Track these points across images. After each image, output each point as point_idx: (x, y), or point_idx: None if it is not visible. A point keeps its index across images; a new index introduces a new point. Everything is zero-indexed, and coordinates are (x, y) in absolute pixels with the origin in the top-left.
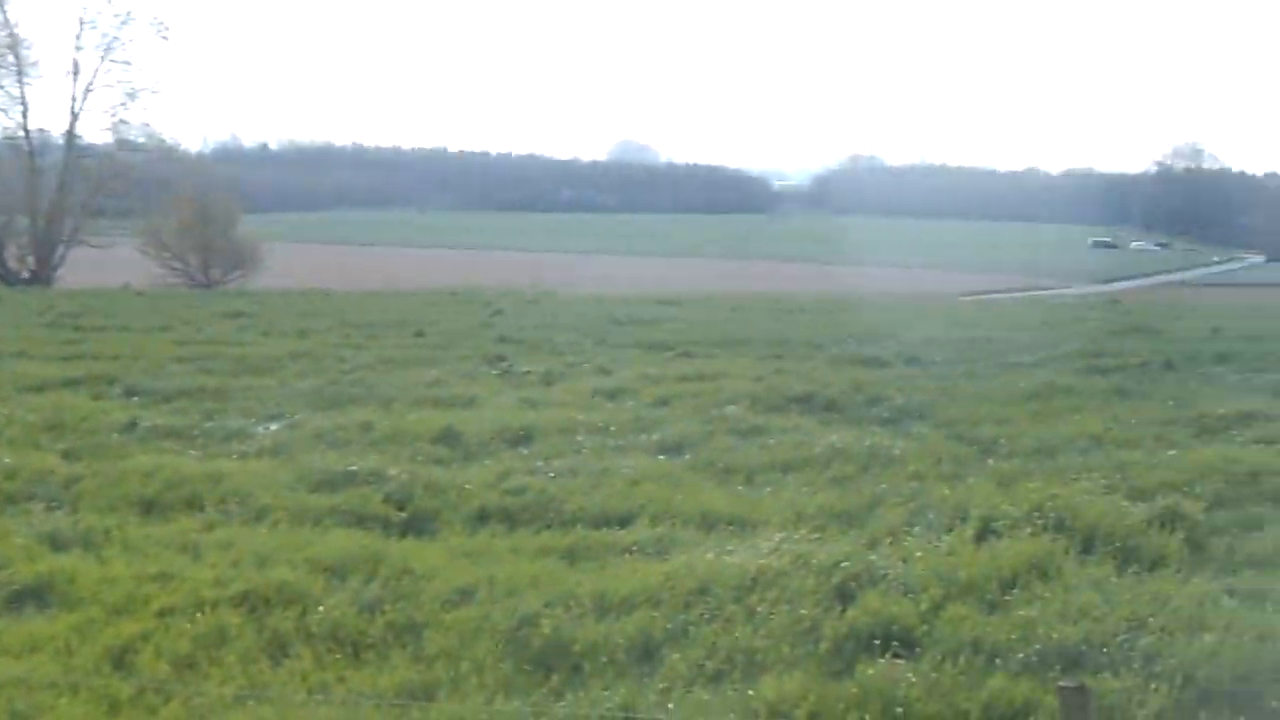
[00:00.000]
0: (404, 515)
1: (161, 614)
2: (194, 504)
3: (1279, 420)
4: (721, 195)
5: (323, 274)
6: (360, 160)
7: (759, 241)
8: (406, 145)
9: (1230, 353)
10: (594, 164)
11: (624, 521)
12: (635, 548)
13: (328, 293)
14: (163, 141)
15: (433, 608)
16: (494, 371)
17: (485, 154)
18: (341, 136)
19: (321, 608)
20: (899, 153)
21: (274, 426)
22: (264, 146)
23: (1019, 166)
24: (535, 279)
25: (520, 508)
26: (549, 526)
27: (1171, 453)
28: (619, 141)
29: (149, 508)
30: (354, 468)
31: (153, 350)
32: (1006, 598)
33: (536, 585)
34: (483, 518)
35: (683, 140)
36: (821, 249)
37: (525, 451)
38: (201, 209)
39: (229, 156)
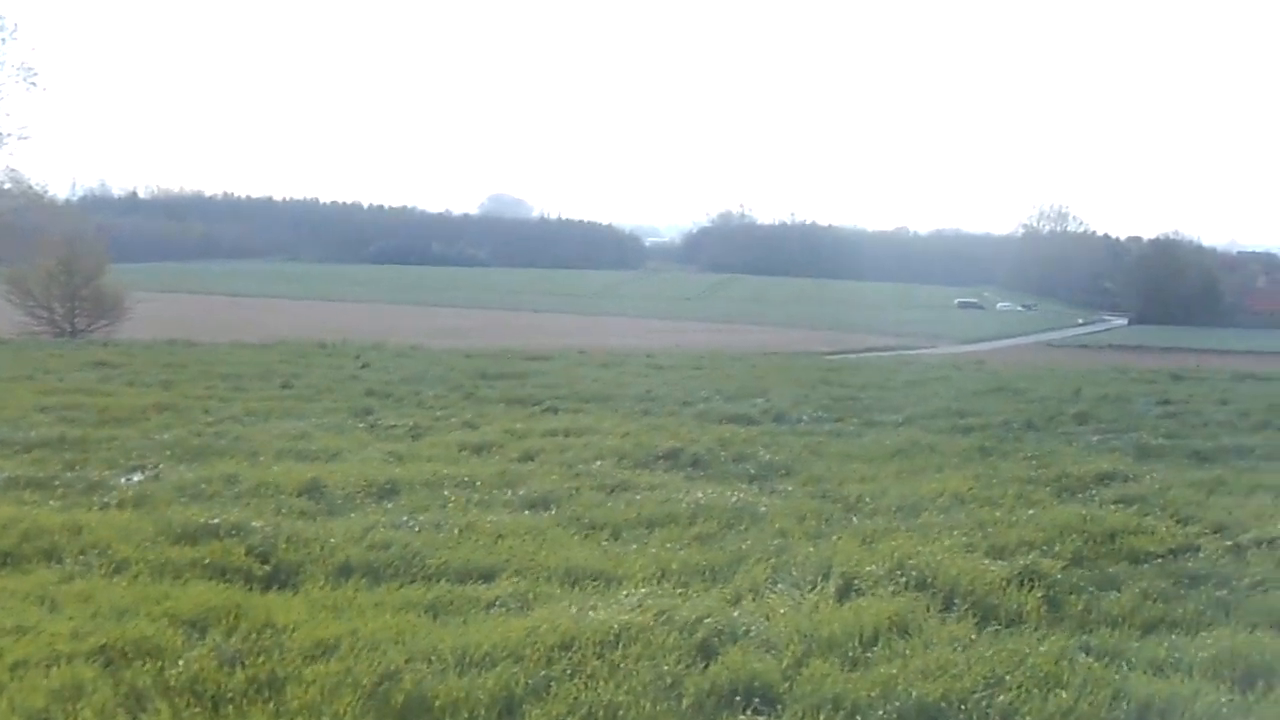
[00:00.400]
0: (267, 568)
1: (15, 667)
2: (52, 555)
3: (1137, 480)
4: (594, 251)
5: (190, 324)
6: (231, 210)
7: (629, 298)
8: (278, 196)
9: (1091, 413)
10: (465, 217)
11: (488, 576)
12: (498, 603)
13: (194, 343)
14: (30, 188)
15: (294, 662)
16: (361, 425)
17: (357, 206)
18: (212, 186)
19: (181, 661)
20: (770, 210)
21: (136, 478)
22: (133, 195)
23: (889, 226)
24: (404, 332)
25: (384, 562)
26: (413, 581)
27: (1031, 511)
28: (491, 195)
29: (5, 559)
30: (217, 520)
31: (14, 399)
32: (868, 655)
33: (399, 640)
34: (346, 571)
35: (557, 195)
36: (691, 306)
37: (390, 505)
38: (68, 257)
39: (97, 205)
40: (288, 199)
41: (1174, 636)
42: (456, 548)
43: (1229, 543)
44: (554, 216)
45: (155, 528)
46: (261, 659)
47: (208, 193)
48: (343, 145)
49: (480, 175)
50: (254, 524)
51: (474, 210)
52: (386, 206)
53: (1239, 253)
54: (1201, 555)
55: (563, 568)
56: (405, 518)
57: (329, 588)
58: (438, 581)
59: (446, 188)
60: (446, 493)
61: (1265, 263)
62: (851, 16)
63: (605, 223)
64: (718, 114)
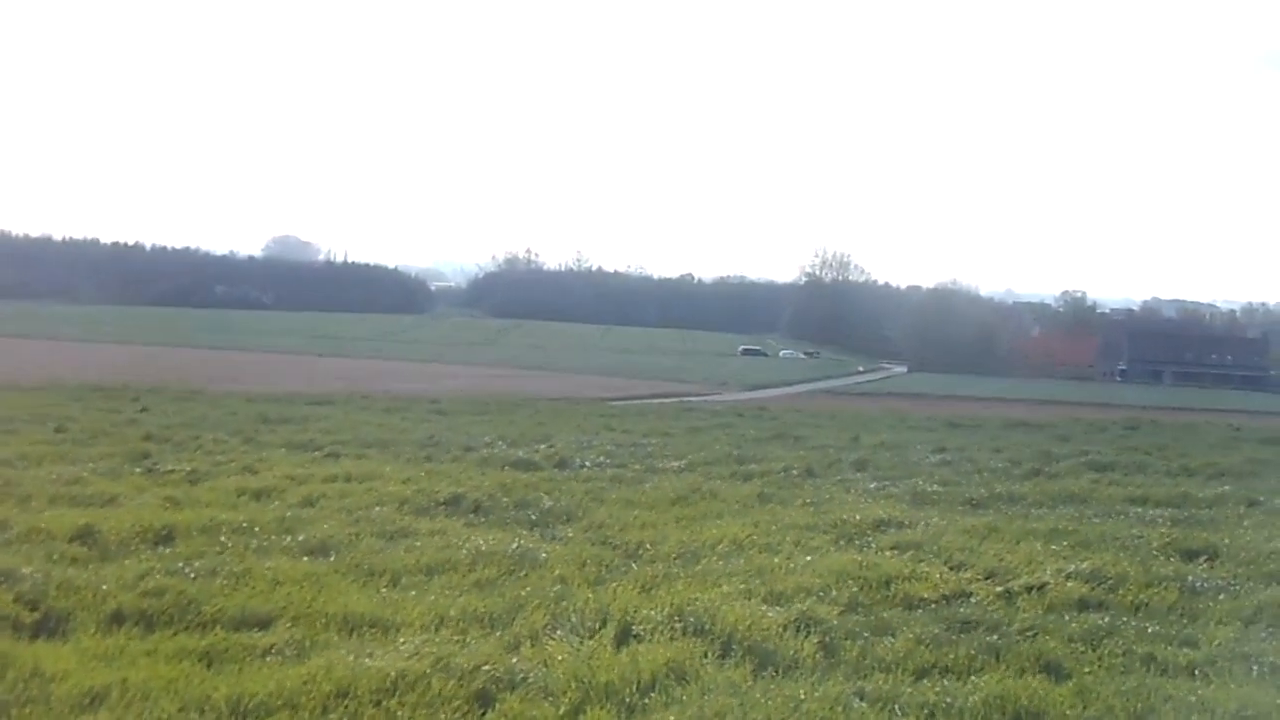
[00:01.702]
0: (36, 616)
1: None
2: None
3: (912, 527)
4: (380, 295)
5: None
6: (6, 249)
7: (415, 342)
8: (57, 235)
9: (869, 460)
10: (250, 259)
11: (264, 623)
12: (274, 650)
13: None
14: None
15: (63, 712)
16: (138, 469)
17: (139, 246)
18: None
19: None
20: (558, 255)
21: None
22: None
23: (674, 273)
24: (185, 375)
25: (158, 609)
26: (187, 628)
27: (809, 558)
28: (276, 237)
29: None
30: None
31: None
32: (645, 701)
33: (172, 689)
34: (119, 619)
35: (344, 237)
36: (476, 351)
37: (166, 551)
38: None
39: None
40: (67, 239)
41: (946, 681)
42: (232, 594)
43: (1000, 588)
44: (340, 260)
45: None
46: (29, 709)
47: None
48: (125, 183)
49: (266, 216)
50: (23, 571)
51: (259, 252)
52: (169, 247)
53: (1014, 302)
54: (974, 601)
55: (340, 615)
56: (181, 564)
57: (100, 636)
58: (213, 629)
59: (231, 229)
60: (224, 538)
61: (1039, 312)
62: (632, 65)
63: (391, 266)
64: (505, 157)
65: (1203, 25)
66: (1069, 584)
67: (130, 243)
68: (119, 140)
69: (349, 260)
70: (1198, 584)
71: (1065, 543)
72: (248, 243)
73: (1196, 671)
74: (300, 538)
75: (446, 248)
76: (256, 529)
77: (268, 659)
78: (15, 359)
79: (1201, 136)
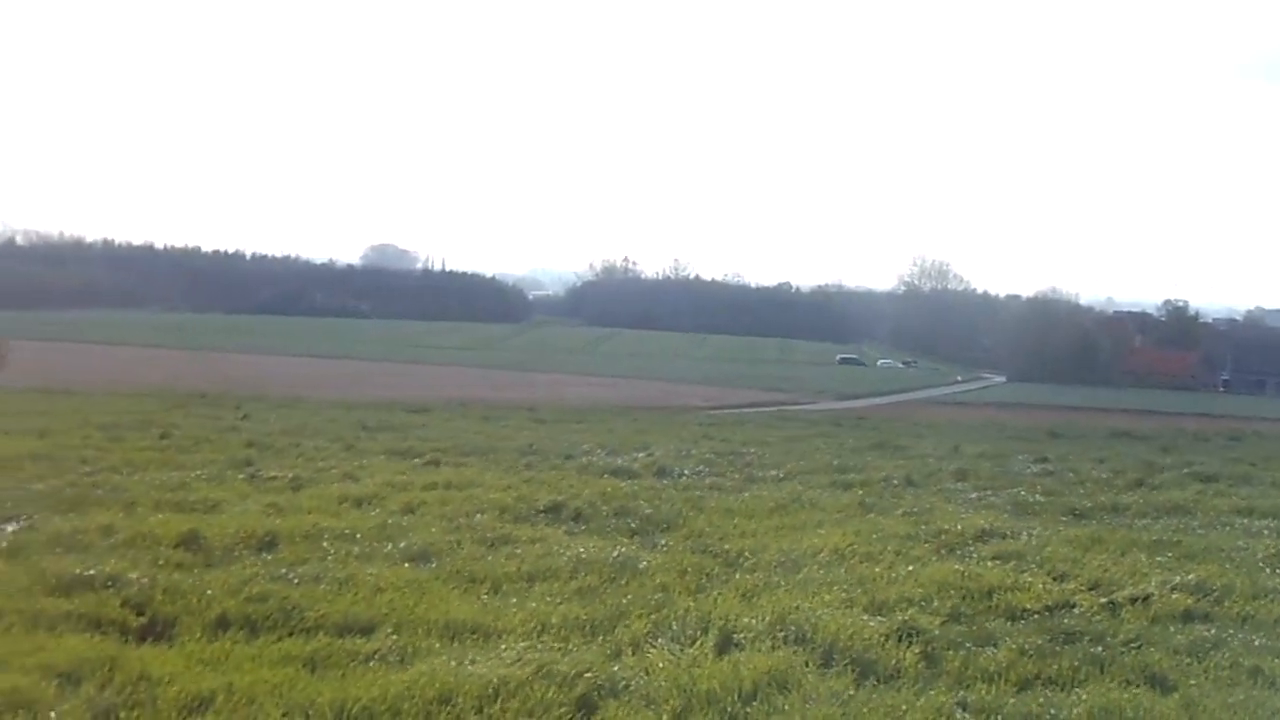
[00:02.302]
0: (143, 620)
1: None
2: None
3: (1014, 538)
4: (478, 303)
5: (67, 373)
6: (111, 258)
7: (513, 351)
8: (160, 244)
9: (970, 470)
10: (349, 268)
11: (367, 630)
12: (377, 656)
13: (71, 392)
14: None
15: (170, 715)
16: (240, 476)
17: (240, 255)
18: (92, 232)
19: (54, 714)
20: (655, 262)
21: (10, 528)
22: (10, 241)
23: (771, 282)
24: (286, 383)
25: (262, 614)
26: (291, 634)
27: (910, 568)
28: (375, 245)
29: None
30: (92, 571)
31: None
32: (747, 710)
33: (276, 694)
34: (224, 624)
35: (441, 244)
36: (574, 359)
37: (269, 557)
38: None
39: None
40: (169, 247)
41: (1049, 693)
42: (335, 600)
43: (1104, 600)
44: (438, 269)
45: (29, 579)
46: (136, 713)
47: (87, 239)
48: (227, 193)
49: (365, 225)
50: (130, 575)
51: (357, 261)
52: (270, 256)
53: (1115, 311)
54: (1077, 612)
55: (442, 621)
56: (284, 570)
57: (206, 640)
58: (316, 634)
59: (330, 237)
60: (326, 545)
61: (1140, 322)
62: (731, 74)
63: (489, 275)
64: (606, 162)
65: None
66: (1174, 595)
67: (230, 251)
68: (223, 150)
69: (446, 269)
70: None
71: (1170, 554)
72: (347, 251)
73: None
74: (401, 544)
75: (544, 255)
76: (358, 535)
77: (371, 665)
78: (120, 366)
79: None
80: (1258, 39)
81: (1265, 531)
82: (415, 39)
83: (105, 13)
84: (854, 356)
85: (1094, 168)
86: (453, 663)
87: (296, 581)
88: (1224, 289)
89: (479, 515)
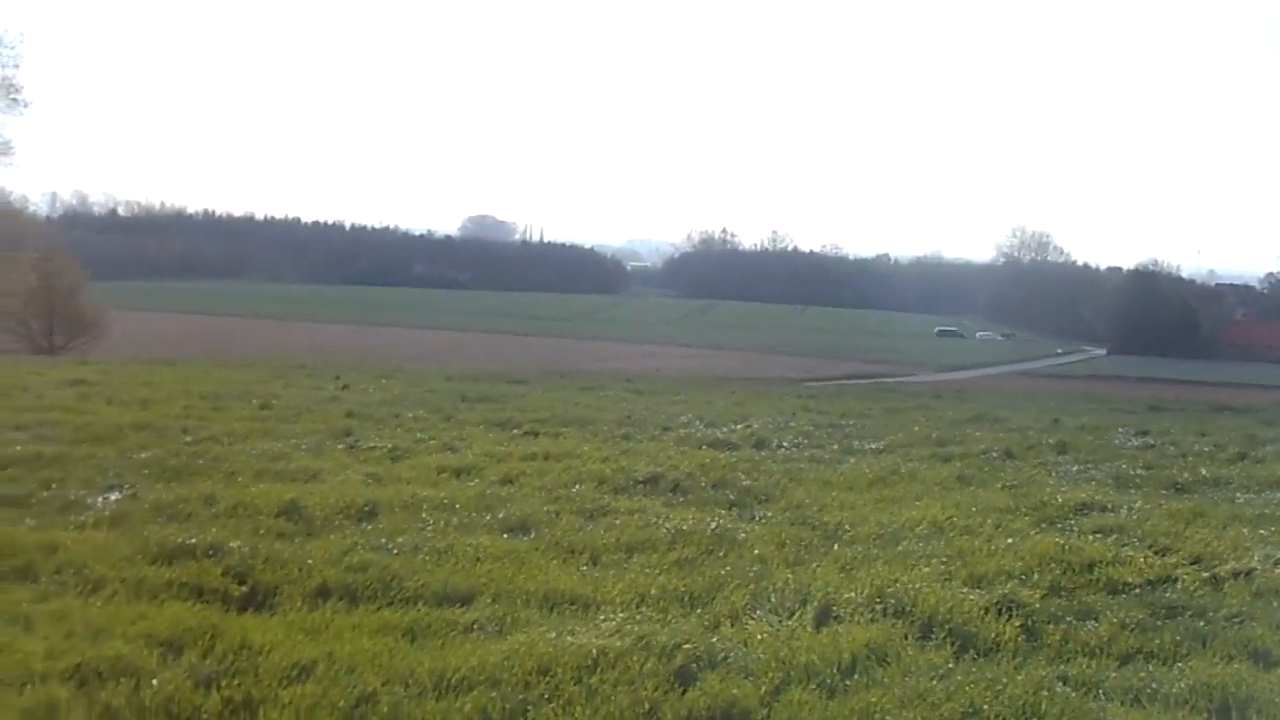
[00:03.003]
0: (244, 589)
1: None
2: (27, 574)
3: (1115, 511)
4: (576, 275)
5: (169, 343)
6: (212, 229)
7: (611, 322)
8: (260, 215)
9: (1070, 443)
10: (448, 239)
11: (465, 600)
12: (476, 626)
13: (172, 362)
14: (9, 204)
15: (270, 684)
16: (340, 446)
17: (339, 226)
18: (193, 203)
19: (156, 682)
20: (753, 233)
21: (113, 497)
22: (113, 212)
23: (870, 252)
24: (385, 353)
25: (362, 584)
26: (390, 603)
27: (1010, 541)
28: (472, 216)
29: None
30: (194, 540)
31: None
32: (846, 683)
33: (376, 663)
34: (324, 593)
35: (539, 214)
36: (671, 331)
37: (369, 527)
38: (46, 274)
39: (77, 221)
40: (269, 218)
41: (1151, 667)
42: (435, 571)
43: (1206, 574)
44: (536, 239)
45: (132, 547)
46: (237, 680)
47: (188, 210)
48: (325, 163)
49: (462, 195)
50: (231, 544)
51: (455, 231)
52: (368, 227)
53: (1217, 284)
54: (1179, 586)
55: (541, 592)
56: (384, 540)
57: (306, 609)
58: (415, 604)
59: (428, 207)
60: (425, 515)
61: (1243, 295)
62: (833, 41)
63: (587, 246)
64: (703, 133)
65: None
66: (1277, 570)
67: (330, 222)
68: (324, 122)
69: (544, 240)
70: None
71: (1273, 528)
72: (445, 222)
73: None
74: (500, 515)
75: (642, 226)
76: (457, 506)
77: (470, 635)
78: (222, 336)
79: None
80: None
81: None
82: (514, 7)
83: None
84: (953, 329)
85: (1195, 137)
86: (551, 633)
87: (395, 551)
88: None
89: (577, 486)
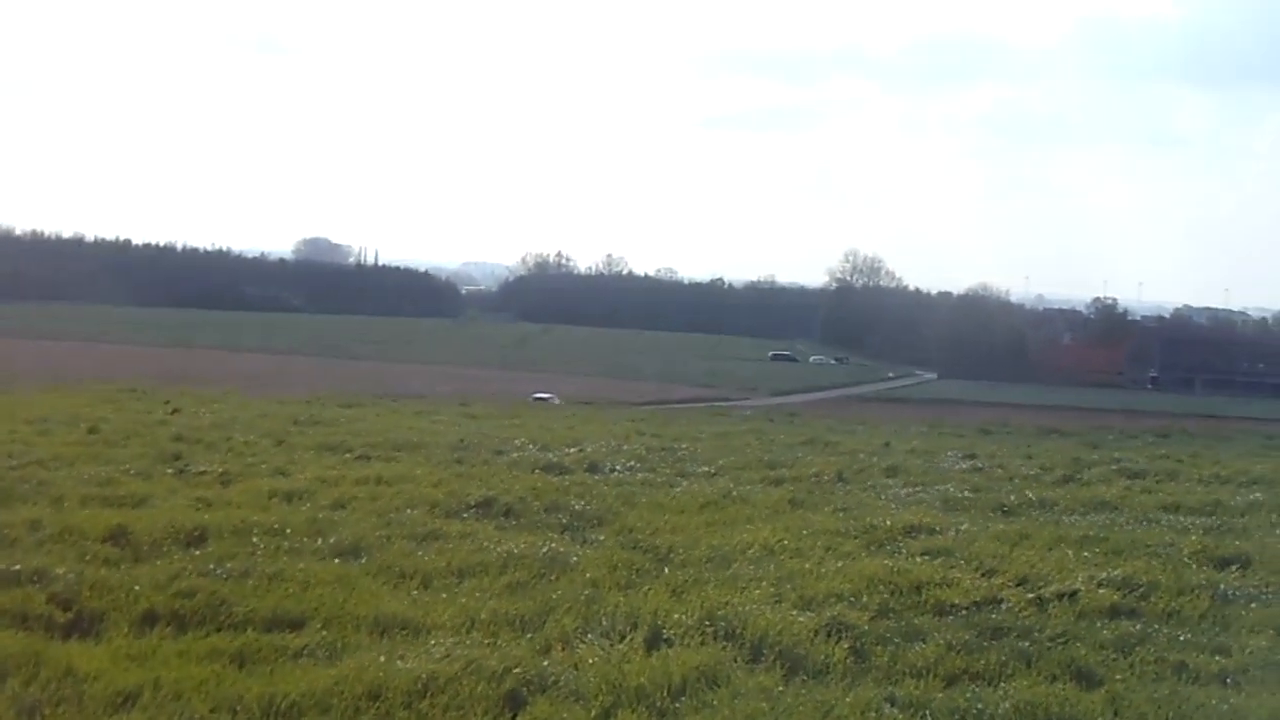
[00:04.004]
0: (69, 616)
1: None
2: None
3: (943, 533)
4: (410, 298)
5: None
6: (39, 250)
7: (446, 346)
8: (89, 236)
9: (899, 466)
10: (281, 262)
11: (296, 625)
12: (306, 652)
13: None
14: None
15: (95, 712)
16: (169, 470)
17: (170, 248)
18: (20, 224)
19: None
20: (588, 256)
21: None
22: None
23: (704, 276)
24: (216, 377)
25: (190, 610)
26: (219, 629)
27: (840, 563)
28: (307, 238)
29: None
30: (17, 567)
31: None
32: (676, 705)
33: (203, 690)
34: (151, 619)
35: (374, 237)
36: (505, 355)
37: (198, 552)
38: None
39: None
40: (99, 240)
41: (977, 688)
42: (265, 596)
43: (1031, 595)
44: (370, 262)
45: None
46: (61, 709)
47: (16, 231)
48: (157, 185)
49: (297, 218)
50: (56, 570)
51: (289, 254)
52: (200, 249)
53: (1045, 308)
54: (1005, 608)
55: (371, 616)
56: (213, 565)
57: (132, 636)
58: (245, 630)
59: (262, 230)
60: (256, 540)
61: (1070, 319)
62: (654, 63)
63: (422, 270)
64: (538, 157)
65: None
66: (1100, 591)
67: (162, 244)
68: (150, 142)
69: (379, 263)
70: (1230, 592)
71: (1097, 550)
72: (279, 245)
73: (1228, 680)
74: (332, 540)
75: (478, 249)
76: (288, 530)
77: (300, 660)
78: (48, 360)
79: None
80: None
81: (1191, 528)
82: (347, 28)
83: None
84: (786, 353)
85: (1020, 167)
86: (382, 658)
87: (225, 577)
88: (1153, 287)
89: (410, 510)
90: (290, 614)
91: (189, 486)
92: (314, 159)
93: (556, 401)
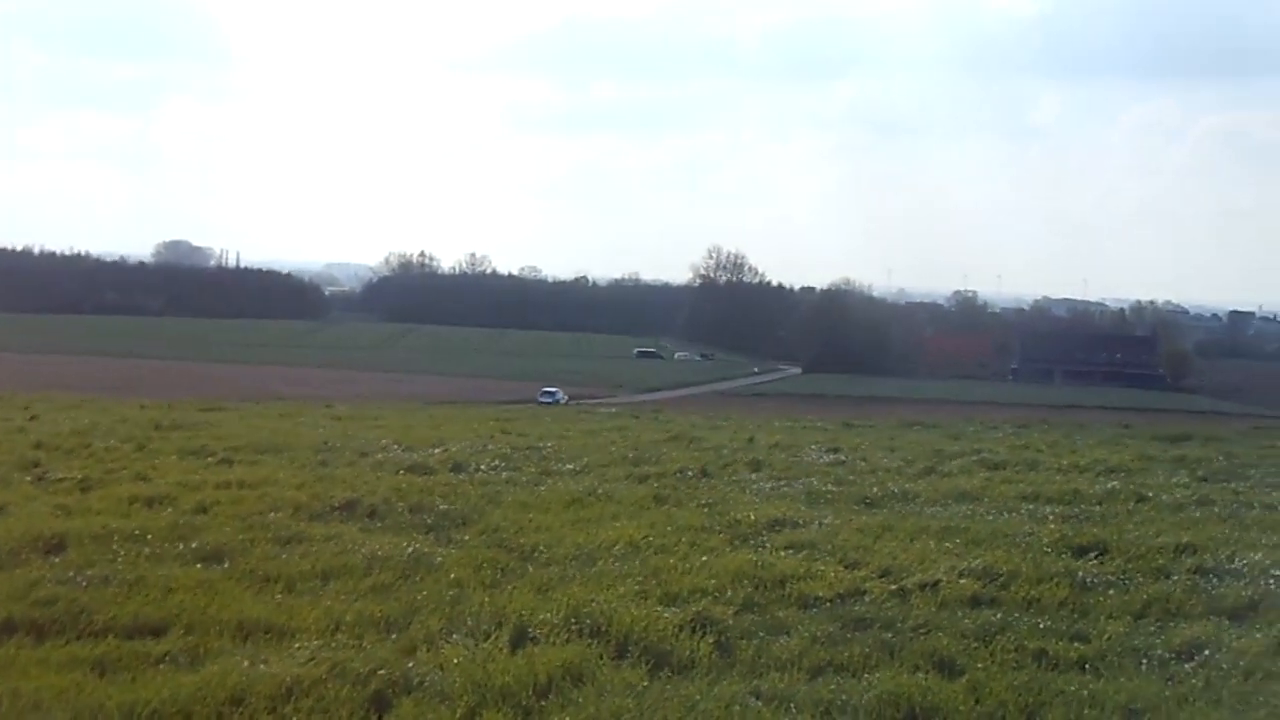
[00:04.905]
0: None
1: None
2: None
3: (806, 527)
4: (272, 300)
5: None
6: None
7: (310, 348)
8: None
9: (764, 461)
10: (141, 266)
11: (157, 632)
12: (168, 658)
13: None
14: None
15: None
16: (27, 478)
17: (28, 251)
18: None
19: None
20: (452, 255)
21: None
22: None
23: (568, 275)
24: (76, 383)
25: (50, 618)
26: (79, 637)
27: (704, 558)
28: (168, 242)
29: None
30: None
31: None
32: (542, 703)
33: (63, 698)
34: (9, 628)
35: (238, 241)
36: (370, 356)
37: (57, 560)
38: None
39: None
40: None
41: (840, 679)
42: (125, 603)
43: (894, 586)
44: (232, 264)
45: None
46: None
47: None
48: (10, 189)
49: (158, 221)
50: None
51: (149, 258)
52: (58, 253)
53: (907, 302)
54: (868, 599)
55: (235, 621)
56: (73, 573)
57: None
58: (105, 637)
59: (122, 234)
60: (116, 546)
61: (931, 312)
62: (521, 65)
63: (285, 271)
64: (402, 162)
65: None
66: (961, 581)
67: (17, 249)
68: (6, 145)
69: (242, 265)
70: (1088, 579)
71: (958, 540)
72: (139, 248)
73: (1087, 666)
74: (194, 545)
75: (342, 250)
76: (149, 536)
77: (161, 667)
78: None
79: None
80: None
81: (1050, 517)
82: (205, 30)
83: None
84: (652, 350)
85: (885, 162)
86: (245, 663)
87: (85, 584)
88: (1013, 279)
89: (273, 514)
90: (151, 620)
91: (48, 494)
92: (174, 161)
93: (563, 399)
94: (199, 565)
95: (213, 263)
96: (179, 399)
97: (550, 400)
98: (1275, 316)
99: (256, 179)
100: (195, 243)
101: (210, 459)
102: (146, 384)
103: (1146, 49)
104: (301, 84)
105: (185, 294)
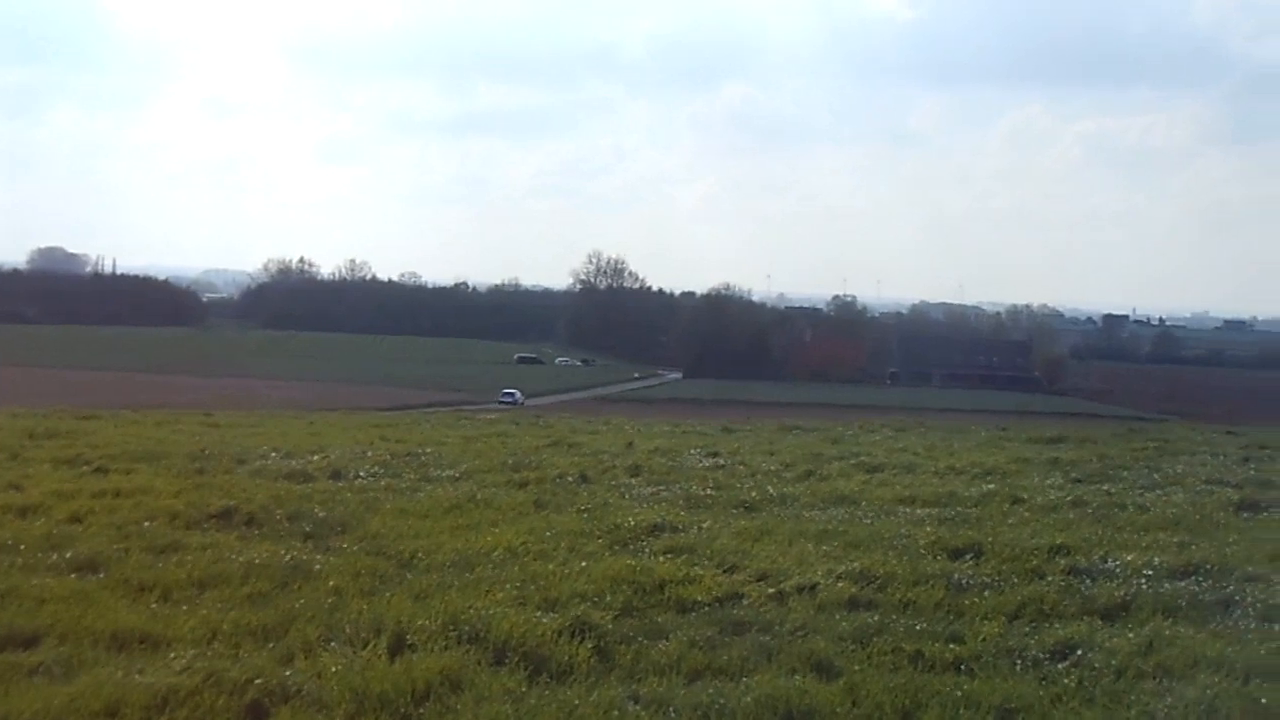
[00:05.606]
0: None
1: None
2: None
3: (685, 531)
4: (149, 307)
5: None
6: None
7: (187, 354)
8: None
9: (643, 465)
10: (14, 272)
11: (30, 643)
12: (41, 669)
13: None
14: None
15: None
16: None
17: None
18: None
19: None
20: (331, 261)
21: None
22: None
23: (448, 280)
24: None
25: None
26: None
27: (583, 564)
28: (42, 249)
29: None
30: None
31: None
32: (420, 711)
33: None
34: None
35: (113, 248)
36: (248, 362)
37: None
38: None
39: None
40: None
41: (719, 683)
42: None
43: (772, 590)
44: (108, 271)
45: None
46: None
47: None
48: None
49: (31, 228)
50: None
51: (23, 264)
52: None
53: (787, 307)
54: (746, 603)
55: (109, 631)
56: None
57: None
58: None
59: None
60: None
61: (811, 317)
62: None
63: (162, 278)
64: (280, 168)
65: None
66: (839, 584)
67: None
68: None
69: (118, 272)
70: (963, 581)
71: (836, 543)
72: (12, 255)
73: (962, 667)
74: (68, 554)
75: (221, 256)
76: (21, 547)
77: (35, 678)
78: None
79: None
80: None
81: (926, 519)
82: (82, 27)
83: None
84: (532, 355)
85: (767, 167)
86: (120, 673)
87: None
88: (891, 284)
89: (148, 522)
90: (24, 631)
91: None
92: (49, 167)
93: (520, 399)
94: (73, 575)
95: (88, 269)
96: (53, 407)
97: (510, 401)
98: (1149, 319)
99: (133, 185)
100: (70, 249)
101: (85, 468)
102: (20, 392)
103: (1020, 56)
104: (179, 89)
105: (60, 301)
